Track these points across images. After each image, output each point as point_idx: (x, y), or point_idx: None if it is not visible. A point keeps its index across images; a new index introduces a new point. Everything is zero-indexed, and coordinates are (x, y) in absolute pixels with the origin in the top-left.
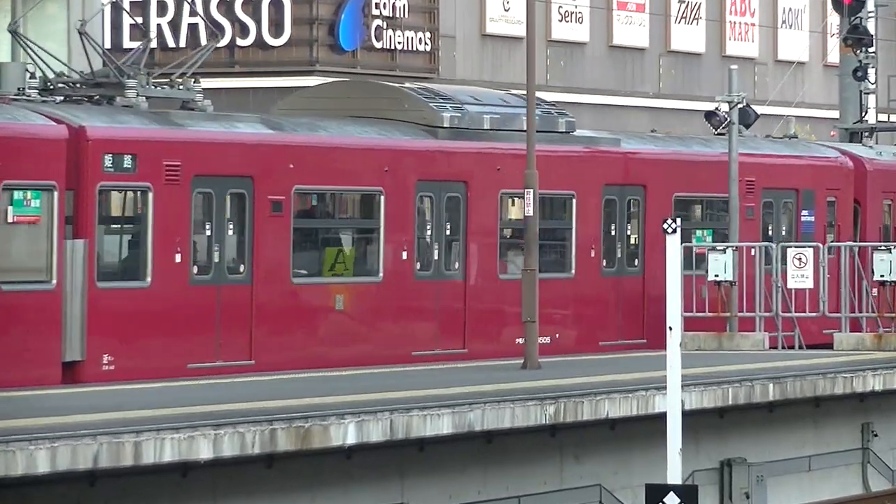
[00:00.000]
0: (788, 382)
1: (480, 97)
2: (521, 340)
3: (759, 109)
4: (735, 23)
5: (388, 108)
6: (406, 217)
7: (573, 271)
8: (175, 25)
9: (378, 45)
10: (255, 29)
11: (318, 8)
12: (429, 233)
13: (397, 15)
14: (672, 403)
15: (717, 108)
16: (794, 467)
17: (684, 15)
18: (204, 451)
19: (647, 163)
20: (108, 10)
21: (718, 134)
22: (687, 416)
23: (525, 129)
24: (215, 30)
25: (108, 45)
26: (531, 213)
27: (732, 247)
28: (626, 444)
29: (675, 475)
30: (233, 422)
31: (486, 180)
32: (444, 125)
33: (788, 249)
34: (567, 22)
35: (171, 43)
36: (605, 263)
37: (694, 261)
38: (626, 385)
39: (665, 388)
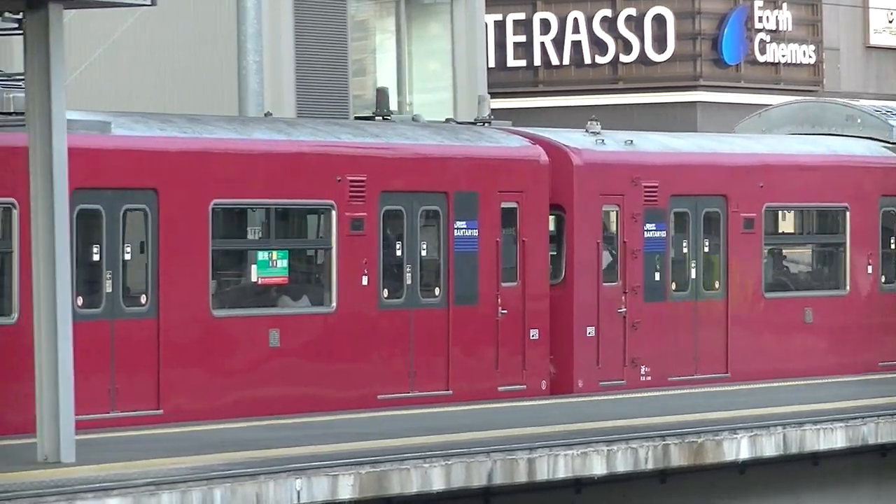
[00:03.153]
0: None
1: None
2: None
3: None
4: None
5: None
6: None
7: None
8: (558, 43)
9: (762, 58)
10: (638, 45)
11: (702, 23)
12: None
13: (781, 28)
14: None
15: None
16: None
17: None
18: (597, 466)
19: (158, 157)
20: (491, 28)
21: None
22: None
23: None
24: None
25: (492, 63)
26: None
27: None
28: None
29: None
30: (625, 437)
31: None
32: None
33: None
34: None
35: (554, 61)
36: (81, 303)
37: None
38: None
39: None
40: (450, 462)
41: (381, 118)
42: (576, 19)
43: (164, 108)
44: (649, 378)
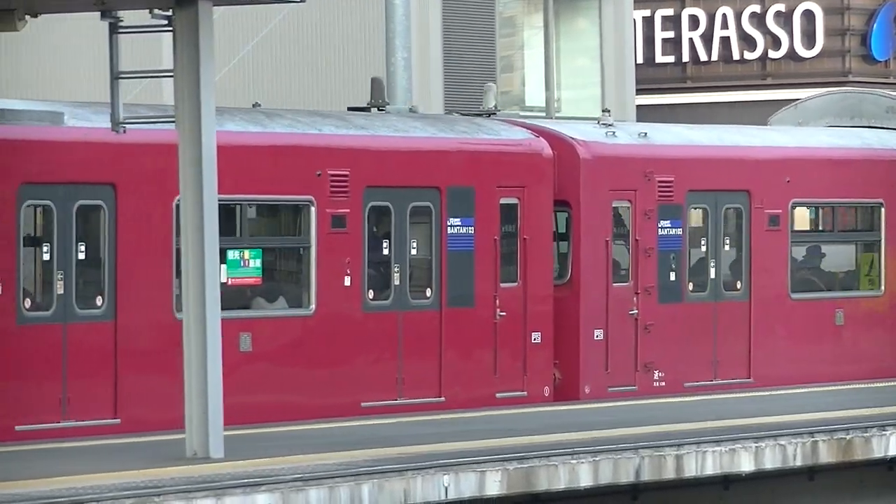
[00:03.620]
0: None
1: None
2: None
3: None
4: None
5: None
6: None
7: None
8: (707, 39)
9: None
10: (787, 41)
11: (851, 18)
12: None
13: None
14: None
15: None
16: None
17: None
18: (745, 463)
19: (116, 150)
20: (639, 24)
21: None
22: None
23: None
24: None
25: (640, 59)
26: None
27: None
28: None
29: None
30: (773, 434)
31: None
32: None
33: None
34: None
35: (702, 57)
36: (28, 305)
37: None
38: None
39: None
40: (597, 458)
41: (376, 109)
42: (724, 15)
43: (313, 105)
44: (663, 384)
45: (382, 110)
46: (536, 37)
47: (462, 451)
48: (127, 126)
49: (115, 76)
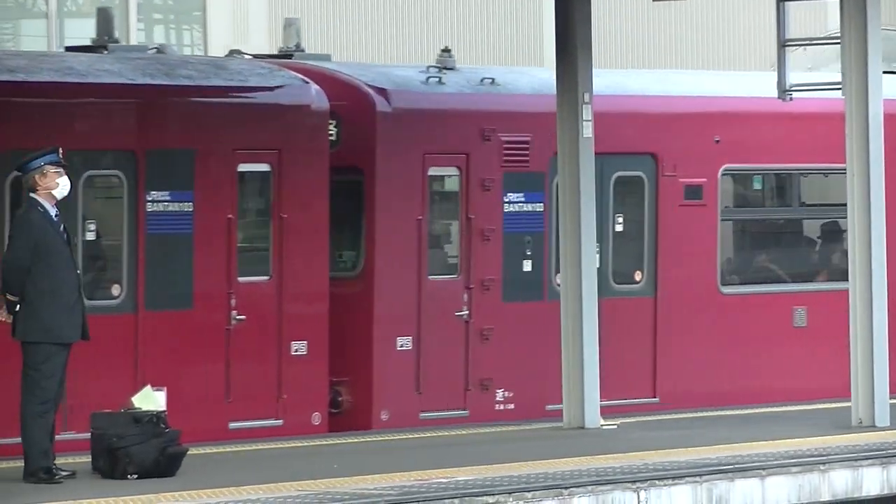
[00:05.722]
0: None
1: None
2: None
3: None
4: None
5: None
6: None
7: None
8: None
9: None
10: None
11: None
12: None
13: None
14: None
15: None
16: None
17: None
18: None
19: None
20: None
21: None
22: None
23: None
24: None
25: None
26: None
27: None
28: None
29: None
30: None
31: None
32: None
33: None
34: None
35: None
36: None
37: None
38: None
39: None
40: None
41: (103, 49)
42: None
43: None
44: (511, 406)
45: (104, 49)
46: None
47: None
48: (793, 94)
49: (782, 43)
